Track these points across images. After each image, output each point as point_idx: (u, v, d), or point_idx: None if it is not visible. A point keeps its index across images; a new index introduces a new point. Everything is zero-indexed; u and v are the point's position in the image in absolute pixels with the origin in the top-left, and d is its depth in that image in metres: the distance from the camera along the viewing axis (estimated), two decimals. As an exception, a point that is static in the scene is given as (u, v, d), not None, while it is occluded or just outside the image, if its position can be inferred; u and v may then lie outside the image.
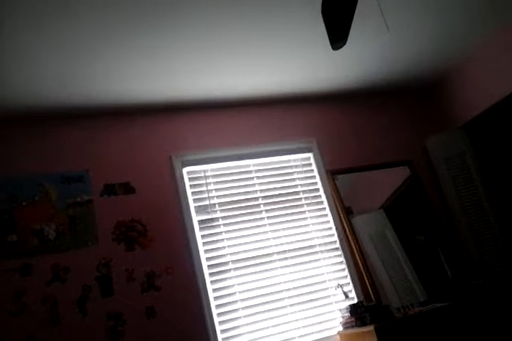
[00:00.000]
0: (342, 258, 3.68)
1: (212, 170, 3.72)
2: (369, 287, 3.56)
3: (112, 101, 3.50)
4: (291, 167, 3.93)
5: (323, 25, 2.51)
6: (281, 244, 3.64)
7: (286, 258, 3.60)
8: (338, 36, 2.64)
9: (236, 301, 3.38)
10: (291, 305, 3.46)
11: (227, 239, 3.55)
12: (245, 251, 3.55)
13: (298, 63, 3.54)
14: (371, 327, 2.92)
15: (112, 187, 3.45)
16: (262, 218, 3.68)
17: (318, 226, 3.78)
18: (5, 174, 3.25)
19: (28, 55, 2.76)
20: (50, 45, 2.72)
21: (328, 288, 3.58)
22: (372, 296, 3.52)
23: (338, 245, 3.72)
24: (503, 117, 3.79)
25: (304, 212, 3.79)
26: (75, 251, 3.20)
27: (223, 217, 3.60)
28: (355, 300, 3.49)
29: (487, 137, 3.97)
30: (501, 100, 3.70)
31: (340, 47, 2.74)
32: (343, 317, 3.38)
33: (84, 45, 2.79)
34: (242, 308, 3.37)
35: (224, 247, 3.52)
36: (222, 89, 3.67)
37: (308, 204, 3.82)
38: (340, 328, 3.40)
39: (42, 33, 2.59)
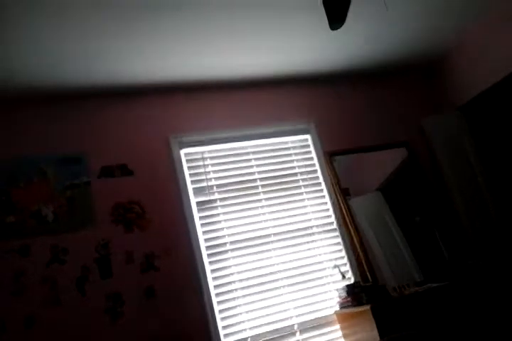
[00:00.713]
0: (339, 239, 3.71)
1: (209, 151, 3.71)
2: (366, 267, 3.59)
3: (110, 83, 3.48)
4: (288, 148, 3.93)
5: (321, 5, 2.49)
6: (279, 225, 3.66)
7: (283, 240, 3.62)
8: (336, 16, 2.62)
9: (234, 281, 3.41)
10: (289, 285, 3.50)
11: (225, 220, 3.57)
12: (243, 232, 3.57)
13: (296, 44, 3.51)
14: (367, 307, 2.95)
15: (109, 169, 3.45)
16: (260, 200, 3.69)
17: (316, 207, 3.79)
18: (3, 155, 3.25)
19: (25, 37, 2.73)
20: (49, 27, 2.70)
21: (325, 268, 3.61)
22: (369, 276, 3.55)
23: (335, 226, 3.74)
24: (501, 98, 3.77)
25: (301, 193, 3.80)
26: (73, 232, 3.21)
27: (221, 199, 3.61)
28: (352, 281, 3.52)
29: (484, 118, 3.96)
30: (499, 81, 3.68)
31: (339, 27, 2.72)
32: (339, 297, 3.42)
33: (83, 27, 2.76)
34: (240, 288, 3.40)
35: (222, 228, 3.54)
36: (221, 70, 3.65)
37: (305, 186, 3.83)
38: (337, 308, 3.44)
39: (41, 15, 2.56)
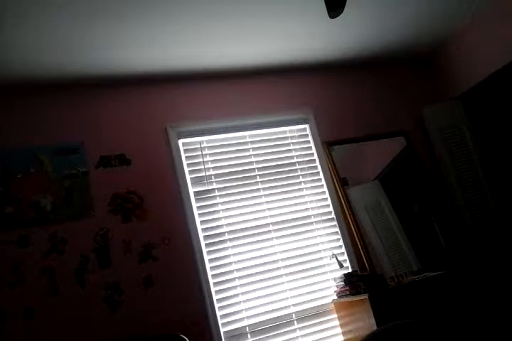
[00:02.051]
0: (337, 229, 3.72)
1: (208, 141, 3.70)
2: (363, 257, 3.60)
3: (107, 72, 3.45)
4: (287, 138, 3.92)
5: (319, -7, 2.47)
6: (277, 214, 3.66)
7: (281, 229, 3.63)
8: (335, 5, 2.60)
9: (232, 271, 3.43)
10: (287, 274, 3.51)
11: (223, 210, 3.57)
12: (241, 222, 3.57)
13: (295, 32, 3.48)
14: (365, 296, 2.97)
15: (107, 159, 3.44)
16: (258, 189, 3.70)
17: (314, 197, 3.80)
18: (0, 146, 3.24)
19: (21, 25, 2.70)
20: (46, 15, 2.67)
21: (323, 257, 3.63)
22: (367, 266, 3.56)
23: (333, 216, 3.75)
24: (500, 87, 3.76)
25: (299, 183, 3.81)
26: (71, 222, 3.22)
27: (219, 189, 3.61)
28: (350, 270, 3.54)
29: (483, 107, 3.94)
30: (498, 70, 3.66)
31: (337, 15, 2.70)
32: (337, 286, 3.44)
33: (79, 15, 2.73)
34: (238, 278, 3.42)
35: (220, 218, 3.54)
36: (219, 59, 3.63)
37: (304, 176, 3.83)
38: (335, 297, 3.46)
39: (37, 4, 2.54)
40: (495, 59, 3.67)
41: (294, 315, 3.41)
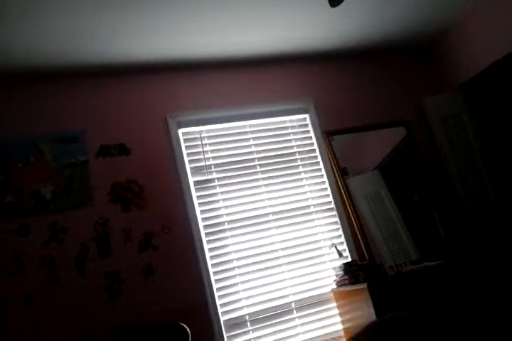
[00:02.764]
0: (337, 218, 3.72)
1: (207, 131, 3.70)
2: (363, 246, 3.61)
3: (107, 61, 3.44)
4: (287, 128, 3.91)
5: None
6: (277, 204, 3.67)
7: (281, 219, 3.64)
8: (335, -7, 2.58)
9: (232, 260, 3.44)
10: (286, 263, 3.53)
11: (223, 199, 3.57)
12: (241, 211, 3.58)
13: (295, 22, 3.46)
14: (364, 285, 2.98)
15: (107, 148, 3.44)
16: (258, 179, 3.70)
17: (314, 186, 3.80)
18: (0, 135, 3.24)
19: (22, 14, 2.69)
20: (47, 5, 2.66)
21: (323, 247, 3.64)
22: (366, 255, 3.58)
23: (333, 205, 3.75)
24: (500, 77, 3.74)
25: (299, 173, 3.81)
26: (71, 211, 3.22)
27: (219, 178, 3.61)
28: (349, 259, 3.55)
29: (483, 97, 3.93)
30: (498, 60, 3.65)
31: (338, 4, 2.69)
32: (336, 275, 3.45)
33: (79, 5, 2.72)
34: (238, 267, 3.43)
35: (220, 208, 3.55)
36: (218, 48, 3.61)
37: (304, 166, 3.83)
38: (334, 286, 3.48)
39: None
40: (495, 49, 3.65)
41: (293, 303, 3.43)
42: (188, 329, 2.93)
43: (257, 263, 3.48)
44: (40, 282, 3.03)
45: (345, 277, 3.34)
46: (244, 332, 3.29)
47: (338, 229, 3.71)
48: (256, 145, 3.78)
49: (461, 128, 3.97)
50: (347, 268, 3.34)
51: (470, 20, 3.89)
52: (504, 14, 3.55)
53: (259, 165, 3.73)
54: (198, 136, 3.67)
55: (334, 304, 3.46)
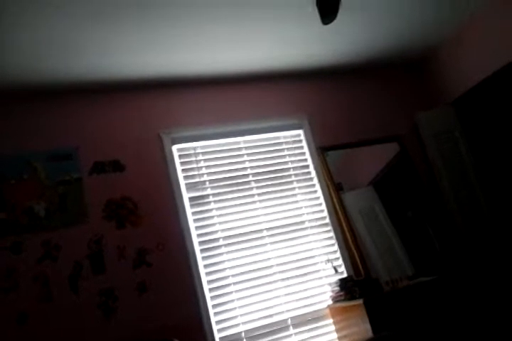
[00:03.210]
0: (332, 234, 3.72)
1: (202, 147, 3.71)
2: (358, 261, 3.60)
3: (101, 78, 3.46)
4: (281, 144, 3.93)
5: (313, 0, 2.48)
6: (272, 220, 3.66)
7: (276, 235, 3.63)
8: (328, 11, 2.62)
9: (227, 277, 3.42)
10: (282, 279, 3.51)
11: (217, 215, 3.56)
12: (236, 227, 3.57)
13: (288, 39, 3.50)
14: (360, 301, 2.96)
15: (101, 165, 3.43)
16: (253, 195, 3.70)
17: (308, 202, 3.80)
18: (-8, 152, 3.24)
19: (13, 30, 2.71)
20: (39, 22, 2.67)
21: (318, 262, 3.62)
22: (362, 271, 3.56)
23: (327, 221, 3.75)
24: (492, 92, 3.79)
25: (294, 188, 3.81)
26: (65, 229, 3.20)
27: (214, 194, 3.61)
28: (345, 275, 3.53)
29: (475, 113, 3.98)
30: (488, 76, 3.69)
31: (330, 21, 2.72)
32: (332, 291, 3.43)
33: (72, 22, 2.74)
34: (234, 283, 3.41)
35: (215, 224, 3.54)
36: (212, 65, 3.64)
37: (298, 181, 3.84)
38: (330, 302, 3.46)
39: (25, 11, 2.54)
40: (486, 65, 3.70)
41: (289, 320, 3.40)
42: (183, 347, 2.90)
43: (252, 279, 3.46)
44: (33, 299, 2.99)
45: (341, 293, 3.32)
46: (240, 350, 3.26)
47: (333, 244, 3.70)
48: (250, 161, 3.79)
49: (453, 143, 4.00)
50: (343, 283, 3.33)
51: (462, 36, 3.95)
52: (495, 31, 3.61)
53: (254, 181, 3.74)
54: (193, 152, 3.68)
55: (331, 320, 3.44)
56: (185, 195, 3.53)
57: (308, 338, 3.38)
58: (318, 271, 3.60)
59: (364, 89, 4.28)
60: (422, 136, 4.10)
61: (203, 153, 3.69)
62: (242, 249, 3.52)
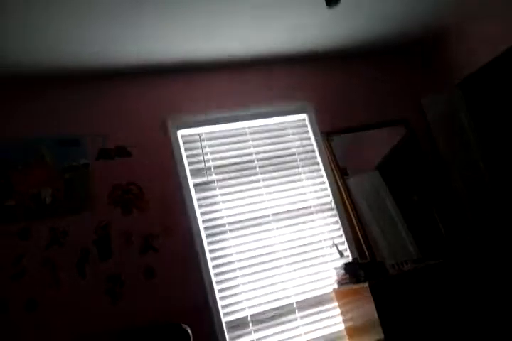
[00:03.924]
0: (337, 218, 3.72)
1: (207, 133, 3.71)
2: (363, 245, 3.61)
3: (106, 65, 3.45)
4: (286, 128, 3.92)
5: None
6: (277, 205, 3.67)
7: (281, 220, 3.64)
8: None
9: (233, 261, 3.44)
10: (287, 264, 3.53)
11: (223, 201, 3.57)
12: (241, 213, 3.58)
13: (292, 22, 3.46)
14: (365, 284, 2.97)
15: (107, 151, 3.44)
16: (258, 180, 3.70)
17: (314, 187, 3.80)
18: (0, 138, 3.25)
19: (23, 16, 2.71)
20: (47, 7, 2.67)
21: (324, 247, 3.63)
22: (367, 254, 3.57)
23: (333, 205, 3.75)
24: (498, 74, 3.74)
25: (299, 173, 3.81)
26: (72, 215, 3.22)
27: (219, 180, 3.62)
28: (350, 259, 3.55)
29: (483, 95, 3.93)
30: (496, 57, 3.65)
31: (336, 4, 2.69)
32: (337, 274, 3.45)
33: (79, 7, 2.73)
34: (239, 268, 3.43)
35: (220, 209, 3.55)
36: (216, 50, 3.62)
37: (303, 166, 3.84)
38: (336, 286, 3.48)
39: None
40: (493, 46, 3.65)
41: (295, 304, 3.42)
42: (190, 331, 2.92)
43: (258, 264, 3.48)
44: (41, 285, 3.03)
45: (347, 276, 3.33)
46: (246, 333, 3.29)
47: (338, 229, 3.71)
48: (255, 146, 3.79)
49: (460, 125, 3.97)
50: (348, 267, 3.34)
51: (468, 18, 3.89)
52: (502, 12, 3.56)
53: (259, 166, 3.74)
54: (198, 138, 3.68)
55: (336, 303, 3.46)
56: (191, 181, 3.54)
57: (313, 321, 3.41)
58: (323, 255, 3.62)
59: (369, 73, 4.24)
60: (428, 118, 4.07)
61: (208, 139, 3.70)
62: (248, 234, 3.54)
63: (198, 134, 3.68)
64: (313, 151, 3.89)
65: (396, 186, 3.89)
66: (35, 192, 3.21)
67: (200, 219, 3.47)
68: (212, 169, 3.63)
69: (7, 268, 3.00)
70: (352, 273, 3.28)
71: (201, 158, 3.64)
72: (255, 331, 3.31)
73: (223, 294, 3.34)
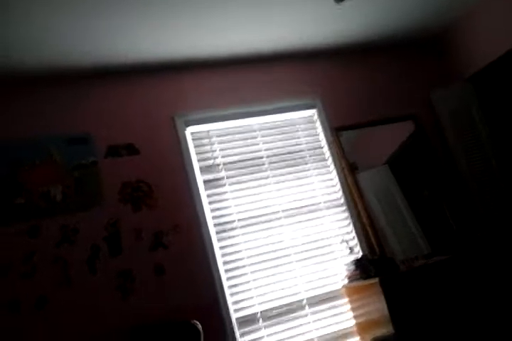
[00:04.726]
0: (347, 214, 3.71)
1: (215, 129, 3.70)
2: (373, 241, 3.59)
3: (114, 62, 3.46)
4: (295, 124, 3.90)
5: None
6: (287, 202, 3.66)
7: (291, 216, 3.63)
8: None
9: (243, 258, 3.44)
10: (297, 260, 3.52)
11: (232, 198, 3.57)
12: (251, 209, 3.58)
13: (301, 18, 3.45)
14: (376, 280, 2.97)
15: (116, 149, 3.45)
16: (267, 176, 3.69)
17: (323, 183, 3.79)
18: (9, 137, 3.26)
19: (27, 16, 2.71)
20: (51, 6, 2.68)
21: (333, 243, 3.63)
22: (377, 250, 3.56)
23: (342, 201, 3.74)
24: (511, 69, 3.70)
25: (308, 169, 3.80)
26: (82, 212, 3.24)
27: (228, 177, 3.62)
28: (360, 255, 3.53)
29: (493, 89, 3.89)
30: (508, 51, 3.61)
31: (342, 0, 2.68)
32: (348, 270, 3.44)
33: (88, 4, 2.74)
34: (249, 265, 3.43)
35: (230, 206, 3.55)
36: (224, 46, 3.61)
37: (312, 162, 3.82)
38: (346, 282, 3.47)
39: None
40: (504, 39, 3.61)
41: (305, 300, 3.42)
42: (200, 327, 2.93)
43: (268, 260, 3.48)
44: (52, 283, 3.04)
45: (357, 272, 3.32)
46: (257, 329, 3.29)
47: (348, 224, 3.70)
48: (264, 142, 3.78)
49: (470, 120, 3.93)
50: (358, 263, 3.33)
51: (478, 11, 3.86)
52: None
53: (268, 162, 3.73)
54: (206, 134, 3.67)
55: (346, 299, 3.45)
56: (200, 178, 3.54)
57: (324, 317, 3.41)
58: (333, 251, 3.61)
59: (378, 68, 4.21)
60: (437, 113, 4.04)
61: (217, 136, 3.69)
62: (258, 231, 3.53)
63: (207, 131, 3.68)
64: (322, 147, 3.88)
65: (406, 181, 3.87)
66: (44, 190, 3.23)
67: (209, 215, 3.47)
68: (222, 166, 3.63)
69: (18, 266, 3.02)
70: (362, 269, 3.28)
71: (210, 154, 3.64)
72: (265, 327, 3.31)
73: (233, 290, 3.34)
